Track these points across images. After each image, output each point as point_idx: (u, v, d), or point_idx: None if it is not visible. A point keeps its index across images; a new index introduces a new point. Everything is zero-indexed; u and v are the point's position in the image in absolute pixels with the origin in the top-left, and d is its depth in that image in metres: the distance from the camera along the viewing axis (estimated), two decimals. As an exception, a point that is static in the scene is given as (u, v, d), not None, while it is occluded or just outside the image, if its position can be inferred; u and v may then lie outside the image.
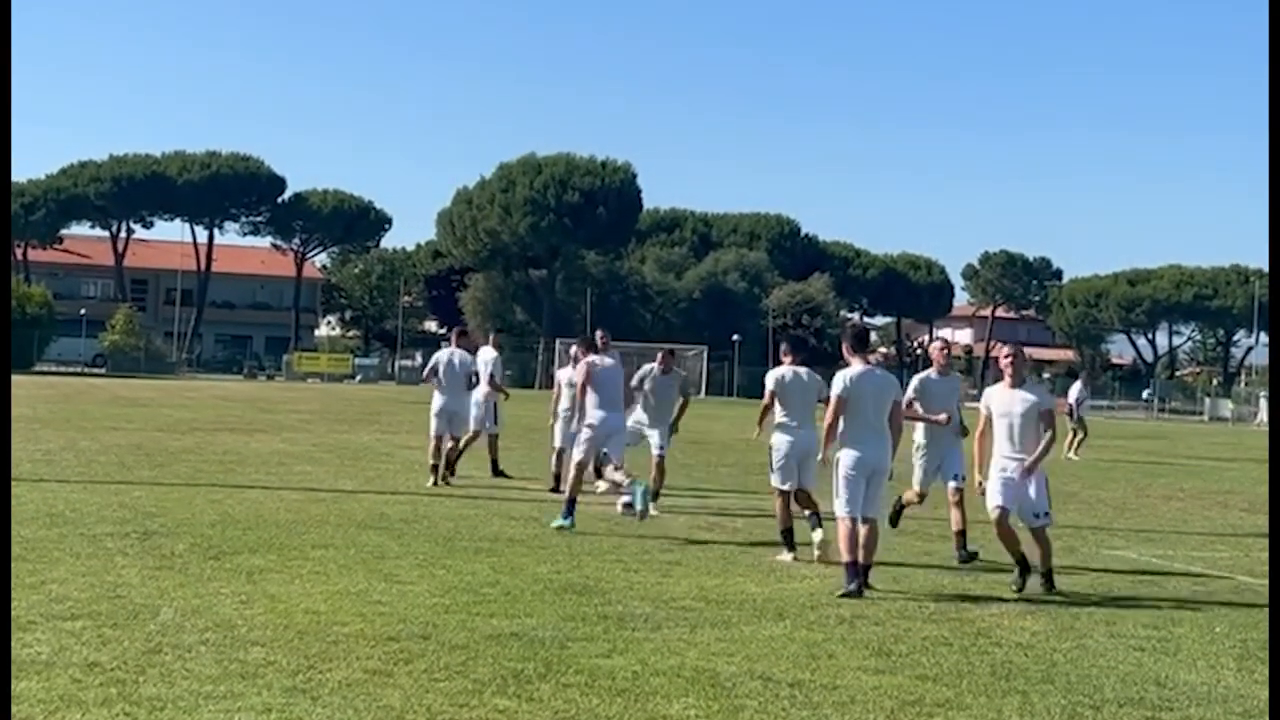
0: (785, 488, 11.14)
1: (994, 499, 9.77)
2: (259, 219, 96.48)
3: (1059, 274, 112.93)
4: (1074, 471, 23.39)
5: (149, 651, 6.79)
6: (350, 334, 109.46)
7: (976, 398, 10.76)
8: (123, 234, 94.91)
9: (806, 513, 11.19)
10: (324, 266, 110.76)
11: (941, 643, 7.84)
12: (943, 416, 11.26)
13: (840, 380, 9.75)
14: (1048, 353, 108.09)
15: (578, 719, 5.96)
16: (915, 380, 11.65)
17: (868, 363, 9.95)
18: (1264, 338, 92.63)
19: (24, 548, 9.79)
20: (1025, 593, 9.61)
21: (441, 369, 17.03)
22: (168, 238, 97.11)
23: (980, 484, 10.08)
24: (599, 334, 17.38)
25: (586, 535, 11.94)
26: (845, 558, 9.49)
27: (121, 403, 36.47)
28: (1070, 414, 28.60)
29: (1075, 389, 30.06)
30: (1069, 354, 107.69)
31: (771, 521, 11.54)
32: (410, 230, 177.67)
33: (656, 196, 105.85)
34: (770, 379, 11.39)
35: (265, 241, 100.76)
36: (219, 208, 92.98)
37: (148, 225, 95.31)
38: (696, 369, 67.80)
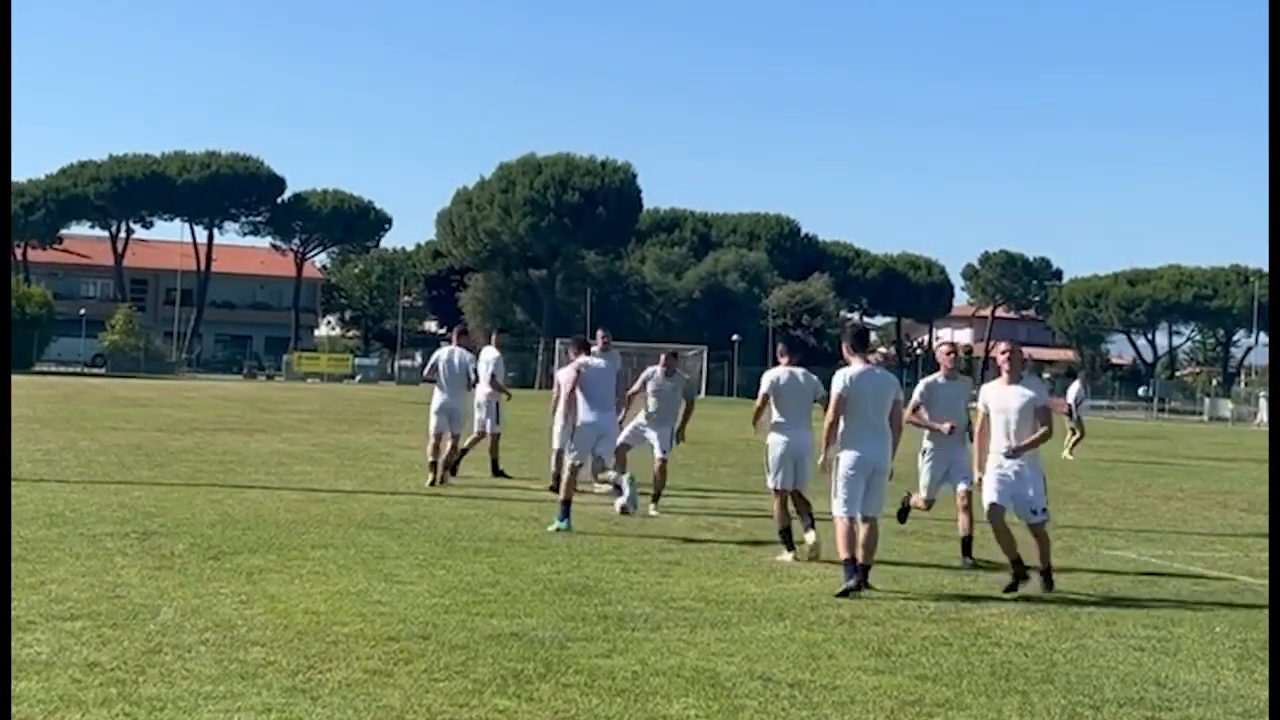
0: (781, 489, 11.16)
1: (989, 496, 9.75)
2: (259, 219, 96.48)
3: (1059, 274, 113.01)
4: (1074, 471, 23.39)
5: (149, 651, 6.79)
6: (350, 334, 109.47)
7: (977, 398, 10.73)
8: (122, 234, 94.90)
9: (799, 514, 11.20)
10: (324, 266, 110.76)
11: (941, 643, 7.84)
12: (946, 426, 11.07)
13: (840, 379, 9.75)
14: (1048, 353, 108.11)
15: (578, 719, 5.96)
16: (922, 385, 11.50)
17: (867, 362, 9.95)
18: (1264, 338, 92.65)
19: (24, 548, 9.79)
20: (1025, 593, 9.59)
21: (441, 367, 17.09)
22: (167, 238, 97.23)
23: (979, 479, 10.08)
24: (600, 334, 17.38)
25: (586, 535, 11.94)
26: (843, 555, 9.51)
27: (121, 403, 36.47)
28: (1069, 414, 28.62)
29: (1074, 389, 30.07)
30: (1069, 354, 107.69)
31: (771, 522, 11.55)
32: (410, 230, 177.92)
33: (656, 196, 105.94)
34: (765, 380, 11.42)
35: (265, 241, 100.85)
36: (219, 208, 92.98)
37: (147, 225, 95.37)
38: (696, 369, 67.71)
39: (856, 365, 9.84)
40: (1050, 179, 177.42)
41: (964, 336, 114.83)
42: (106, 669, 6.40)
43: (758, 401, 11.46)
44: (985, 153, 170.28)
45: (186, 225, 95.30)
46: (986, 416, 9.95)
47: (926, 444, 11.44)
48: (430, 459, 16.60)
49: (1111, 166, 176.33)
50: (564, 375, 13.90)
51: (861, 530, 9.66)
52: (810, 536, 10.97)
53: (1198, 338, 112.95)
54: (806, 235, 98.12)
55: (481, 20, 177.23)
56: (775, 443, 11.23)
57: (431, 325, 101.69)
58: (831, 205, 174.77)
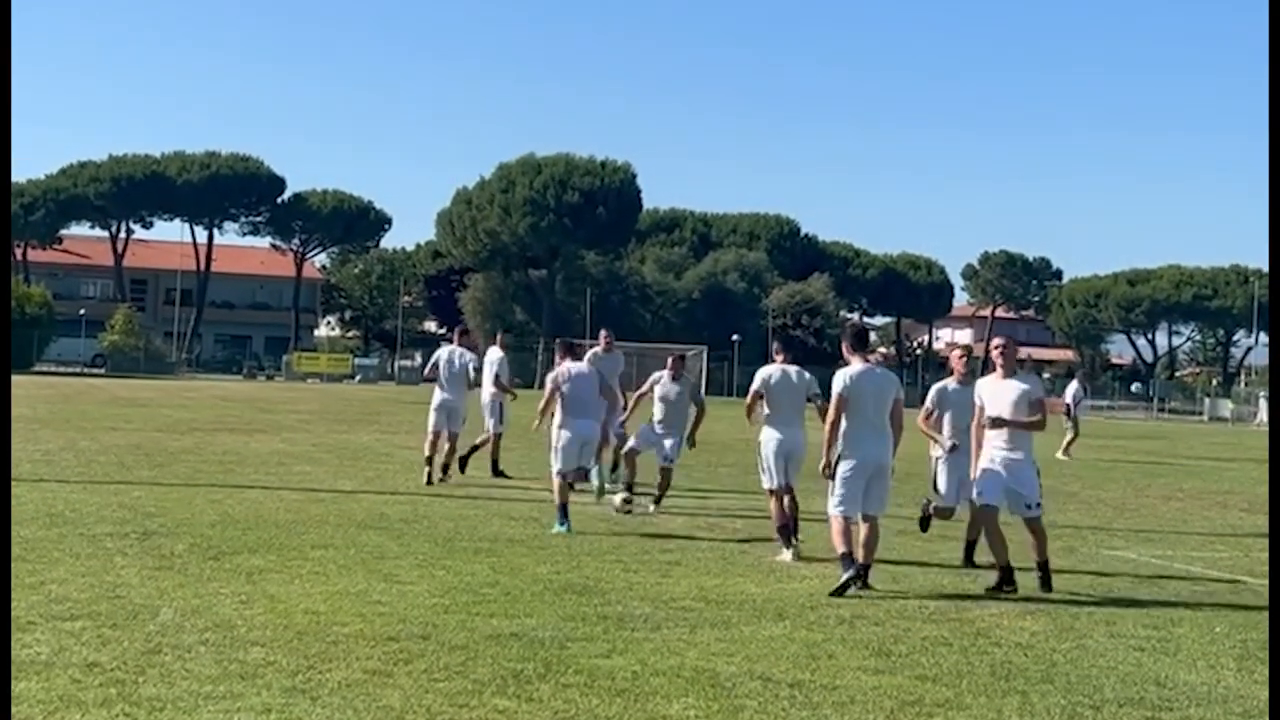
0: (775, 487, 11.21)
1: (983, 496, 9.72)
2: (258, 219, 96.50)
3: (1059, 274, 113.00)
4: (1074, 471, 23.39)
5: (148, 652, 6.79)
6: (350, 334, 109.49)
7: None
8: (122, 234, 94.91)
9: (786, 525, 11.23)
10: (324, 267, 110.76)
11: (941, 643, 7.83)
12: (948, 445, 11.00)
13: (841, 379, 9.74)
14: (1047, 353, 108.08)
15: (577, 719, 5.95)
16: (934, 391, 11.35)
17: (867, 362, 9.95)
18: (1264, 338, 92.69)
19: (24, 548, 9.79)
20: (1024, 592, 9.59)
21: (442, 366, 17.14)
22: (167, 238, 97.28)
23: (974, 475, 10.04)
24: (603, 334, 17.43)
25: (586, 535, 11.94)
26: (840, 549, 9.54)
27: (121, 403, 36.47)
28: (1067, 413, 28.61)
29: (1071, 388, 30.07)
30: (1069, 354, 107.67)
31: (770, 522, 11.57)
32: (410, 230, 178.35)
33: (656, 196, 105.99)
34: (757, 377, 11.45)
35: (265, 242, 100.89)
36: (218, 208, 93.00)
37: (147, 225, 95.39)
38: (696, 369, 67.71)
39: (857, 365, 9.83)
40: (1050, 179, 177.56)
41: (964, 337, 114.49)
42: (106, 669, 6.40)
43: (748, 399, 11.49)
44: (985, 153, 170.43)
45: (186, 225, 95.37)
46: (982, 411, 9.93)
47: (937, 450, 11.29)
48: (426, 454, 16.66)
49: (1111, 166, 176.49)
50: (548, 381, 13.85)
51: (862, 530, 9.67)
52: (787, 554, 10.94)
53: (1198, 338, 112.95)
54: (806, 235, 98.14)
55: (481, 20, 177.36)
56: (768, 441, 11.29)
57: (431, 325, 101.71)
58: (831, 205, 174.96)
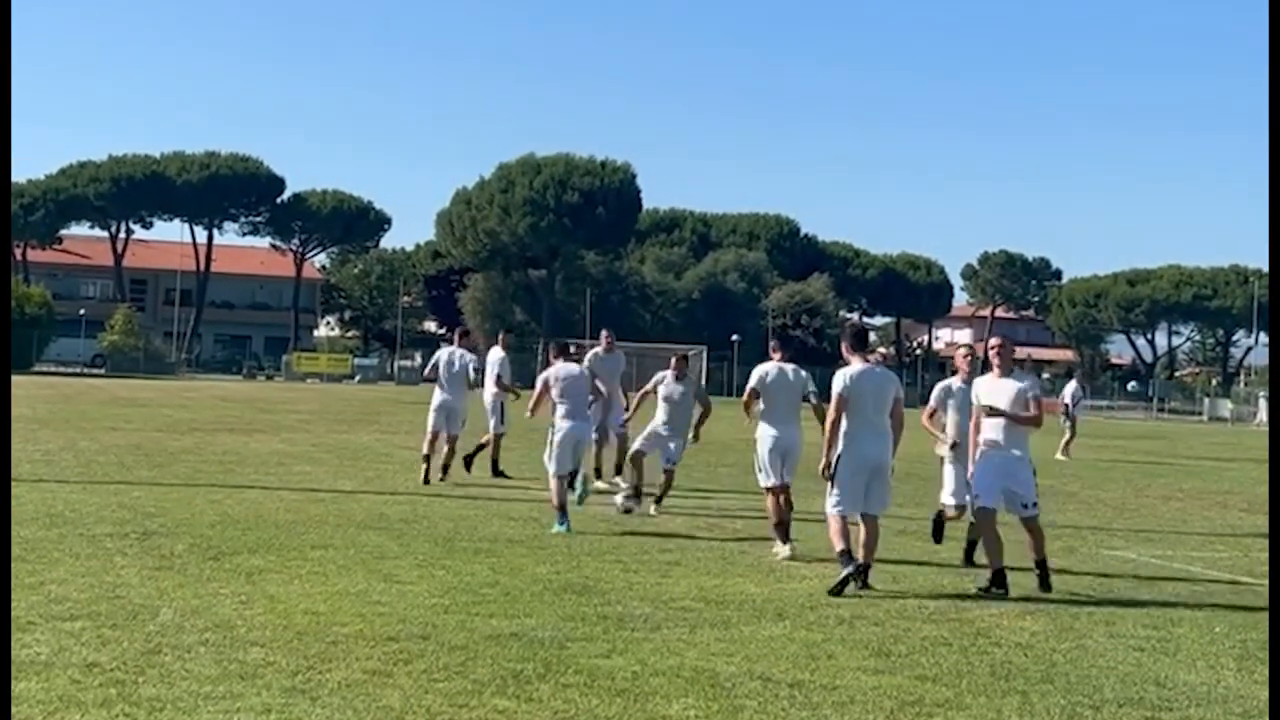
0: (772, 485, 11.30)
1: (980, 498, 9.67)
2: (258, 219, 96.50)
3: (1058, 274, 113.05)
4: (1074, 471, 23.39)
5: (148, 652, 6.79)
6: (349, 334, 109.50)
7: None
8: (122, 234, 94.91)
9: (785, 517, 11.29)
10: (323, 267, 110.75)
11: (941, 643, 7.83)
12: (949, 443, 11.03)
13: (841, 378, 9.75)
14: (1047, 353, 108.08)
15: (577, 719, 5.95)
16: (938, 389, 11.36)
17: (867, 361, 9.95)
18: (1263, 338, 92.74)
19: (23, 548, 9.79)
20: (1024, 592, 9.58)
21: (442, 367, 17.18)
22: (167, 238, 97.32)
23: (971, 475, 10.00)
24: (605, 335, 17.43)
25: (586, 535, 11.94)
26: (837, 546, 9.56)
27: (121, 403, 36.47)
28: (1065, 413, 28.61)
29: (1069, 388, 30.07)
30: (1068, 354, 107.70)
31: (769, 521, 11.59)
32: (410, 230, 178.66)
33: (656, 196, 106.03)
34: (754, 374, 11.56)
35: (264, 242, 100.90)
36: (218, 208, 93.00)
37: (147, 225, 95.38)
38: (696, 369, 67.71)
39: (857, 364, 9.84)
40: (1050, 179, 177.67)
41: (963, 337, 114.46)
42: (106, 669, 6.40)
43: (745, 395, 11.61)
44: (985, 153, 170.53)
45: (186, 225, 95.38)
46: (980, 411, 9.90)
47: (943, 450, 11.28)
48: (424, 453, 16.71)
49: (1111, 166, 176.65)
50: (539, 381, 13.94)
51: (862, 529, 9.68)
52: (785, 550, 11.01)
53: (1197, 338, 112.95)
54: (806, 235, 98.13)
55: (481, 20, 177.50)
56: (764, 438, 11.39)
57: (431, 325, 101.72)
58: (831, 205, 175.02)
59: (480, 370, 17.57)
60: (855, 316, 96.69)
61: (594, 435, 14.52)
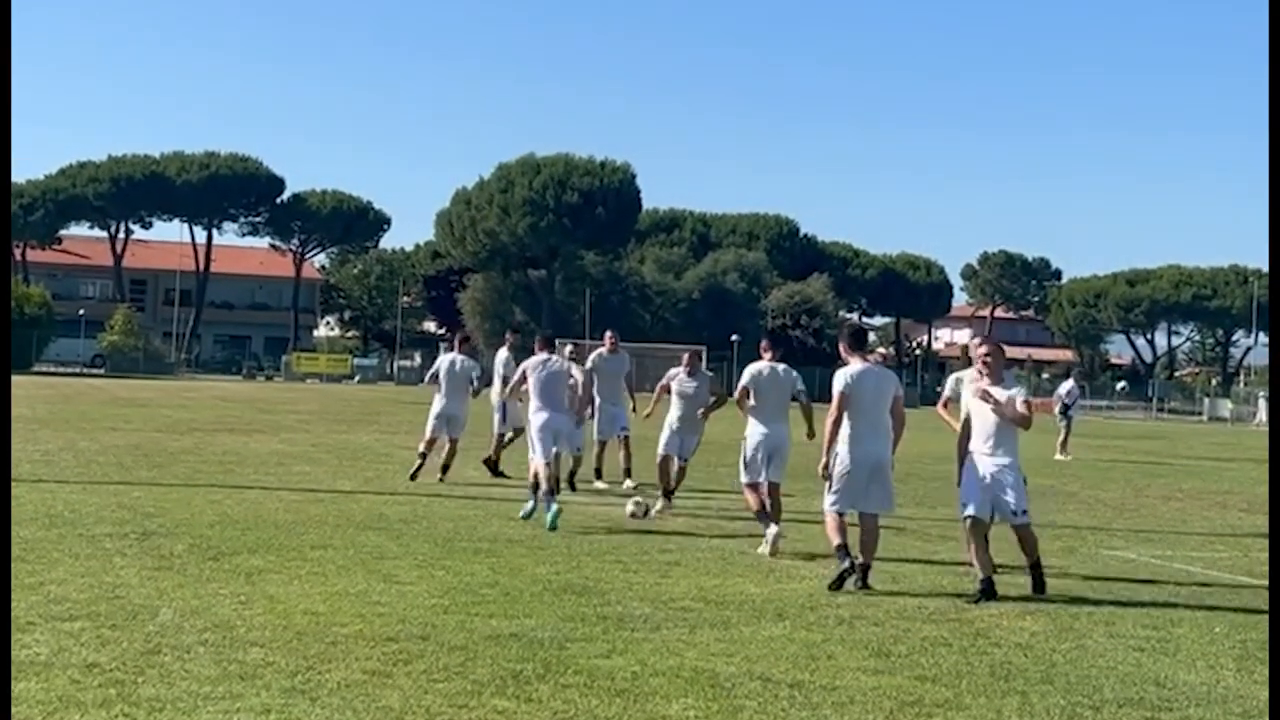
0: (752, 482, 11.56)
1: (968, 507, 9.53)
2: (258, 219, 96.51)
3: (1058, 274, 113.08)
4: (1074, 471, 23.40)
5: (148, 652, 6.79)
6: (349, 334, 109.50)
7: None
8: (121, 234, 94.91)
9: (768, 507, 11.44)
10: (323, 267, 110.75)
11: (941, 643, 7.83)
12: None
13: (842, 378, 9.75)
14: (1047, 353, 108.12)
15: (577, 719, 5.95)
16: (952, 379, 11.42)
17: (866, 361, 9.95)
18: (1263, 338, 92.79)
19: (23, 548, 9.79)
20: (1024, 592, 9.55)
21: (443, 374, 17.19)
22: (166, 238, 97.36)
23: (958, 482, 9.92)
24: (608, 335, 17.44)
25: (586, 535, 11.94)
26: (835, 541, 9.61)
27: (120, 403, 36.46)
28: (1063, 411, 28.60)
29: (1065, 387, 30.04)
30: (1068, 354, 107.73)
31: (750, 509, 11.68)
32: (409, 231, 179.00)
33: (655, 197, 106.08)
34: (746, 373, 11.79)
35: (264, 242, 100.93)
36: (218, 208, 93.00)
37: (146, 226, 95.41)
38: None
39: (856, 364, 9.84)
40: (1050, 179, 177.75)
41: (963, 337, 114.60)
42: (106, 670, 6.40)
43: (738, 393, 11.78)
44: (985, 153, 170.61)
45: (185, 225, 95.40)
46: (968, 418, 9.83)
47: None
48: (420, 450, 16.76)
49: (1111, 166, 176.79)
50: (520, 367, 14.05)
51: (862, 528, 9.67)
52: (773, 529, 11.18)
53: (1197, 338, 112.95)
54: (805, 235, 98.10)
55: (481, 20, 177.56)
56: (752, 436, 11.62)
57: (430, 326, 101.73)
58: (831, 205, 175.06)
59: (480, 379, 17.56)
60: (855, 316, 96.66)
61: (576, 426, 14.52)
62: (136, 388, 50.94)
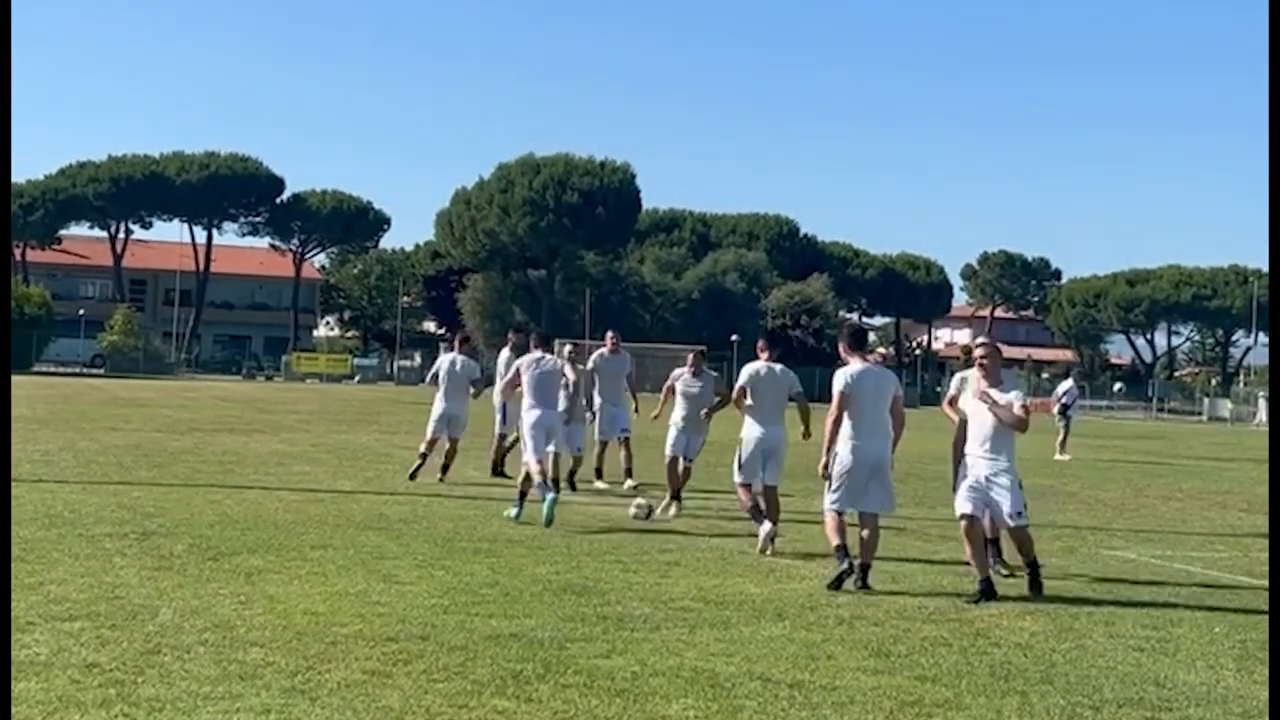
0: (746, 482, 11.61)
1: (961, 507, 9.53)
2: (258, 219, 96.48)
3: (1058, 274, 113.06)
4: (1074, 471, 23.40)
5: (148, 652, 6.79)
6: (349, 334, 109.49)
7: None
8: (121, 234, 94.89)
9: (763, 510, 11.47)
10: (323, 267, 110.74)
11: (941, 643, 7.83)
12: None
13: (842, 377, 9.76)
14: (1047, 353, 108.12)
15: (576, 719, 5.95)
16: (956, 379, 11.35)
17: (866, 361, 9.95)
18: (1263, 338, 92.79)
19: (23, 548, 9.79)
20: (1023, 593, 9.56)
21: (443, 374, 17.20)
22: (166, 238, 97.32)
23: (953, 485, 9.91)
24: (610, 335, 17.43)
25: (586, 535, 11.94)
26: (833, 541, 9.62)
27: (120, 403, 36.46)
28: (1062, 411, 28.61)
29: (1063, 387, 30.04)
30: (1068, 354, 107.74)
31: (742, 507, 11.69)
32: (409, 231, 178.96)
33: (655, 196, 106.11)
34: (744, 372, 11.80)
35: (264, 242, 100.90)
36: (218, 208, 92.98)
37: (146, 226, 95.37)
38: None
39: (856, 364, 9.85)
40: (1050, 179, 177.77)
41: (963, 337, 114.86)
42: (105, 670, 6.40)
43: (735, 392, 11.84)
44: (985, 153, 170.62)
45: (185, 226, 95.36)
46: (964, 421, 9.81)
47: None
48: (421, 450, 16.80)
49: (1111, 166, 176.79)
50: (515, 363, 14.14)
51: (862, 528, 9.68)
52: (765, 526, 11.24)
53: (1197, 338, 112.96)
54: (805, 235, 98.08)
55: (481, 20, 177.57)
56: (749, 436, 11.64)
57: (430, 326, 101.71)
58: (831, 205, 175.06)
59: (481, 380, 17.56)
60: (855, 317, 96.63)
61: (565, 423, 14.52)
62: (136, 388, 50.94)
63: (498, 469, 17.50)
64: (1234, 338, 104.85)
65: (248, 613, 7.88)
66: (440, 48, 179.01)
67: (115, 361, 75.99)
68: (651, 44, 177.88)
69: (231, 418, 30.92)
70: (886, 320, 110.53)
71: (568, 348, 16.59)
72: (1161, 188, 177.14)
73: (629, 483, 15.94)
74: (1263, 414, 67.29)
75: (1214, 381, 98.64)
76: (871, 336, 66.48)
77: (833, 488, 9.72)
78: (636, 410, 16.92)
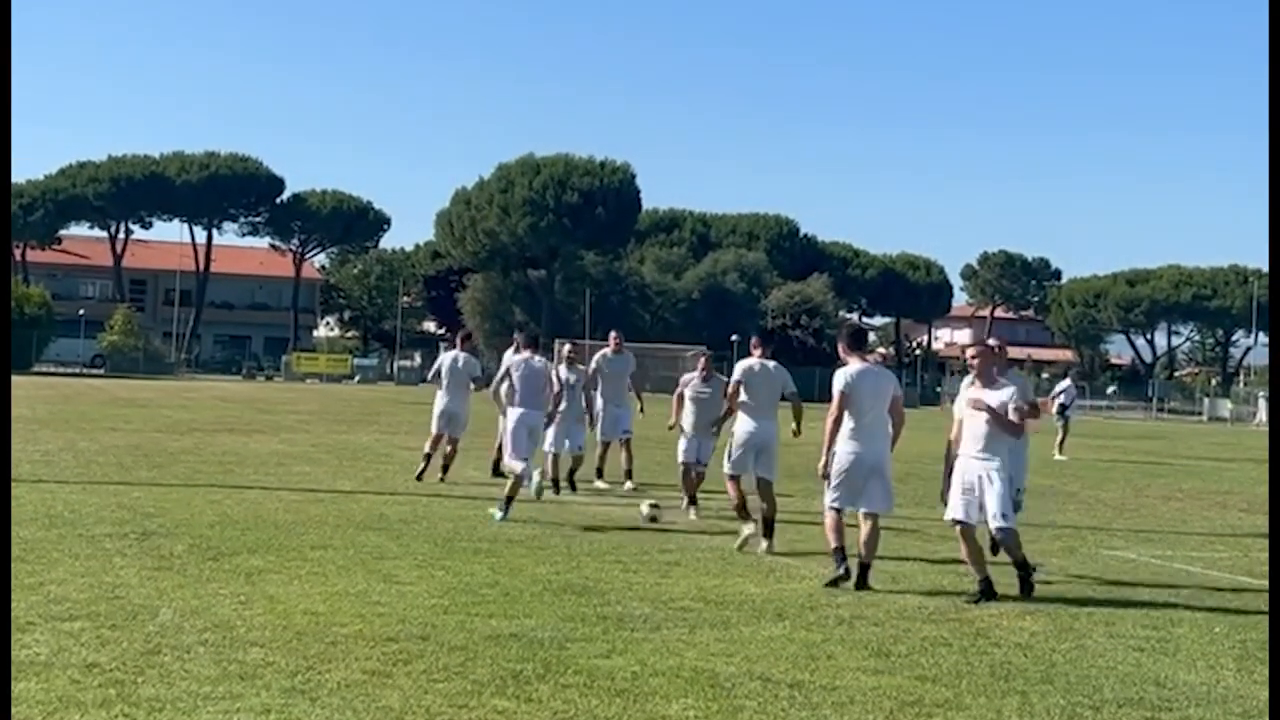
0: (735, 473, 11.69)
1: (952, 512, 9.49)
2: (258, 219, 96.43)
3: (1058, 274, 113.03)
4: (1074, 471, 23.40)
5: (148, 652, 6.79)
6: (349, 334, 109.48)
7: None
8: (121, 234, 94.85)
9: (751, 510, 11.53)
10: (323, 267, 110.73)
11: (941, 643, 7.83)
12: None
13: (841, 377, 9.76)
14: (1047, 353, 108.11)
15: (576, 719, 5.95)
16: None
17: (865, 361, 9.96)
18: (1263, 338, 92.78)
19: (23, 549, 9.79)
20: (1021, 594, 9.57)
21: (444, 371, 17.21)
22: (166, 238, 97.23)
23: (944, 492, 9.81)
24: (613, 335, 17.41)
25: (585, 535, 11.94)
26: (832, 543, 9.64)
27: (120, 403, 36.45)
28: (1060, 411, 28.60)
29: (1061, 386, 30.03)
30: (1068, 354, 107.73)
31: (758, 516, 11.68)
32: (409, 231, 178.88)
33: (655, 197, 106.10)
34: (738, 369, 11.88)
35: (264, 242, 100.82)
36: (218, 208, 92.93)
37: (146, 226, 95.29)
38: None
39: (855, 364, 9.85)
40: (1050, 179, 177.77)
41: (963, 337, 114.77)
42: (105, 670, 6.40)
43: (729, 389, 11.94)
44: (985, 153, 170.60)
45: (185, 226, 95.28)
46: (960, 422, 9.77)
47: None
48: (426, 450, 16.84)
49: (1111, 166, 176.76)
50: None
51: (863, 528, 9.68)
52: (748, 528, 11.34)
53: (1197, 338, 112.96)
54: (805, 235, 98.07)
55: (481, 20, 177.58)
56: (741, 431, 11.73)
57: (430, 326, 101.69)
58: (830, 205, 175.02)
59: (481, 378, 17.56)
60: (855, 317, 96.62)
61: (546, 423, 14.56)
62: (136, 388, 50.93)
63: (498, 469, 17.50)
64: (1234, 338, 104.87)
65: (248, 613, 7.88)
66: (440, 48, 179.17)
67: (115, 362, 75.95)
68: (651, 44, 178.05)
69: (231, 418, 30.92)
70: (886, 320, 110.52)
71: (567, 348, 16.59)
72: (1161, 188, 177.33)
73: (629, 484, 15.93)
74: (1263, 414, 67.29)
75: (1214, 381, 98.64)
76: (871, 336, 66.49)
77: (831, 487, 9.74)
78: (642, 411, 16.90)
